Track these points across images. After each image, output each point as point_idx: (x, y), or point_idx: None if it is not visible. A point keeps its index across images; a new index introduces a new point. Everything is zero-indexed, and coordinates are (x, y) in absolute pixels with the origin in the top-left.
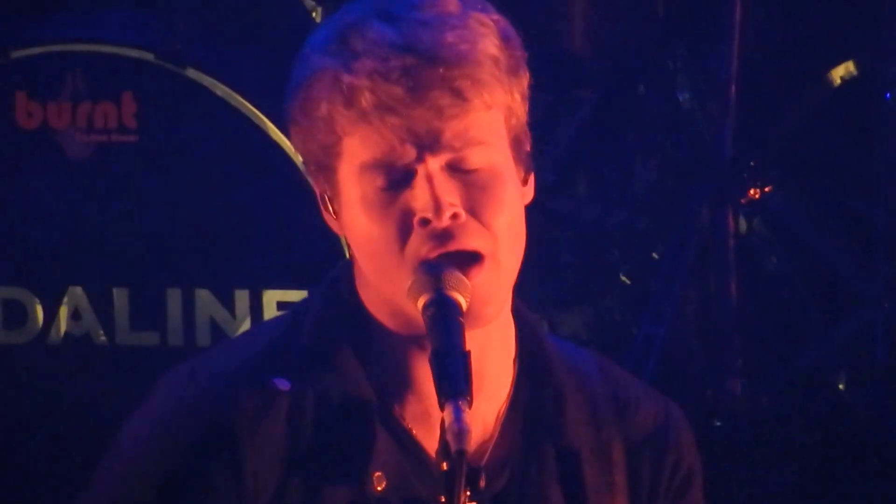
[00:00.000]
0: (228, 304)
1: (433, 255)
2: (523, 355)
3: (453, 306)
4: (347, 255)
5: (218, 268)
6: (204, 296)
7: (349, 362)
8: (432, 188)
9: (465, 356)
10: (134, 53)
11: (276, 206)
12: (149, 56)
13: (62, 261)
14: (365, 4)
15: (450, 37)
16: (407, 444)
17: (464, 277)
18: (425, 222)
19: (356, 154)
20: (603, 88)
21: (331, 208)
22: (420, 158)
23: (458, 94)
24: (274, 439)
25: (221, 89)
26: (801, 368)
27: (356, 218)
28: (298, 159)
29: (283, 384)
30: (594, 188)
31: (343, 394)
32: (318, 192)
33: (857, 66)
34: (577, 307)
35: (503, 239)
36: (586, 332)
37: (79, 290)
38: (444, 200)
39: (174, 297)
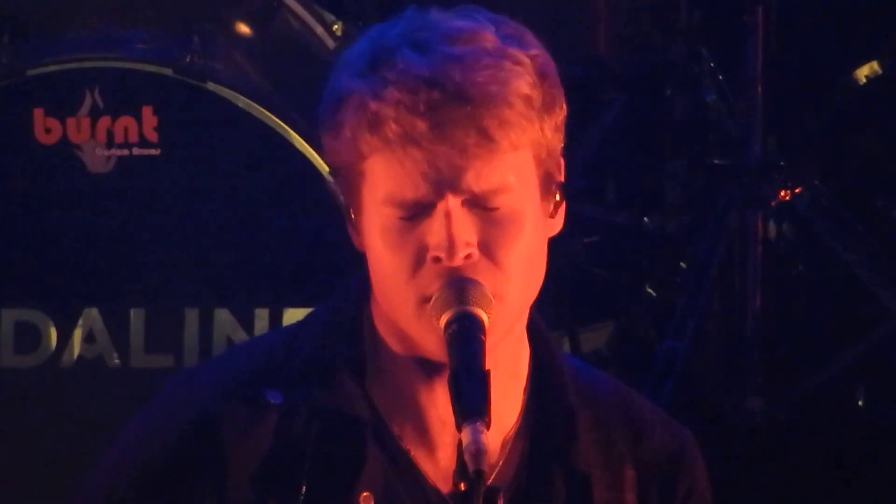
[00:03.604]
0: (248, 323)
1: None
2: (536, 381)
3: (476, 323)
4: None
5: (238, 285)
6: (223, 315)
7: (346, 379)
8: (449, 226)
9: (485, 376)
10: (152, 69)
11: (300, 220)
12: (167, 71)
13: (79, 281)
14: (402, 29)
15: (481, 76)
16: (403, 465)
17: (488, 293)
18: (437, 260)
19: (377, 179)
20: (629, 92)
21: (355, 223)
22: (440, 195)
23: (484, 134)
24: (260, 451)
25: (243, 101)
26: (820, 384)
27: (373, 241)
28: (324, 170)
29: (275, 397)
30: (622, 193)
31: (337, 411)
32: (344, 204)
33: (882, 65)
34: (601, 320)
35: (514, 279)
36: (608, 347)
37: (94, 311)
38: (459, 240)
39: (192, 318)
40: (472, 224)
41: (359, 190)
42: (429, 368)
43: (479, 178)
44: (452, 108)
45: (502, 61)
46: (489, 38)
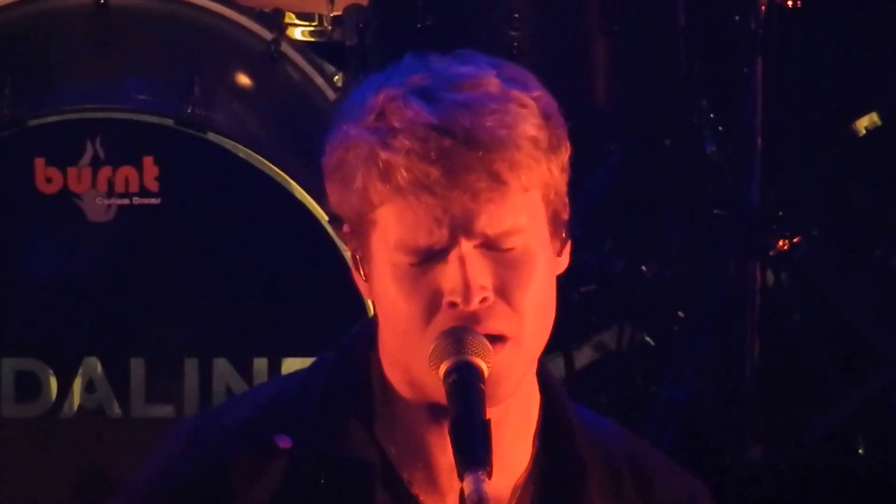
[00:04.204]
0: (246, 372)
1: None
2: (546, 429)
3: (475, 372)
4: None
5: (236, 335)
6: (222, 365)
7: (355, 425)
8: (464, 271)
9: (485, 425)
10: (153, 119)
11: (298, 270)
12: (168, 121)
13: (79, 330)
14: (404, 77)
15: (489, 121)
16: None
17: (486, 342)
18: (453, 305)
19: (389, 227)
20: (629, 142)
21: (362, 271)
22: (454, 240)
23: (496, 178)
24: (269, 497)
25: (243, 151)
26: (820, 432)
27: (385, 288)
28: (324, 219)
29: (284, 441)
30: (620, 242)
31: (346, 456)
32: (350, 252)
33: (881, 116)
34: (599, 369)
35: (529, 320)
36: (606, 396)
37: (94, 360)
38: (475, 285)
39: (191, 367)
40: (486, 267)
41: (368, 238)
42: (439, 414)
43: (492, 221)
44: (463, 154)
45: (507, 105)
46: (493, 83)
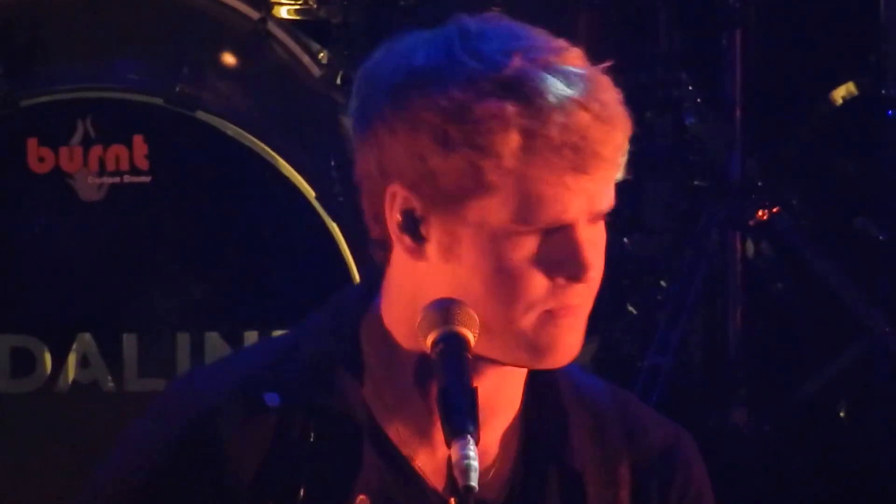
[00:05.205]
0: (237, 345)
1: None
2: (532, 380)
3: (462, 342)
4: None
5: (227, 309)
6: (213, 339)
7: (344, 383)
8: (581, 249)
9: (472, 393)
10: (142, 98)
11: (287, 244)
12: (158, 100)
13: (72, 307)
14: (505, 45)
15: (608, 95)
16: (401, 466)
17: (472, 312)
18: (573, 278)
19: (510, 196)
20: None
21: (419, 233)
22: (577, 216)
23: (617, 153)
24: (259, 454)
25: (232, 129)
26: (802, 396)
27: (477, 256)
28: (311, 195)
29: (273, 400)
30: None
31: (334, 413)
32: (408, 212)
33: (858, 86)
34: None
35: (595, 292)
36: (591, 363)
37: (88, 336)
38: (590, 262)
39: (183, 341)
40: (593, 244)
41: (462, 202)
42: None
43: (605, 198)
44: (597, 129)
45: (604, 77)
46: (576, 51)
